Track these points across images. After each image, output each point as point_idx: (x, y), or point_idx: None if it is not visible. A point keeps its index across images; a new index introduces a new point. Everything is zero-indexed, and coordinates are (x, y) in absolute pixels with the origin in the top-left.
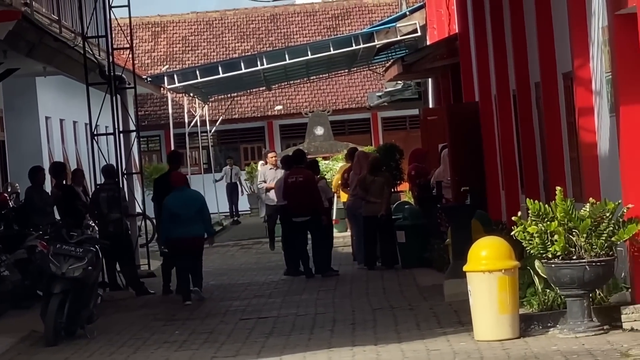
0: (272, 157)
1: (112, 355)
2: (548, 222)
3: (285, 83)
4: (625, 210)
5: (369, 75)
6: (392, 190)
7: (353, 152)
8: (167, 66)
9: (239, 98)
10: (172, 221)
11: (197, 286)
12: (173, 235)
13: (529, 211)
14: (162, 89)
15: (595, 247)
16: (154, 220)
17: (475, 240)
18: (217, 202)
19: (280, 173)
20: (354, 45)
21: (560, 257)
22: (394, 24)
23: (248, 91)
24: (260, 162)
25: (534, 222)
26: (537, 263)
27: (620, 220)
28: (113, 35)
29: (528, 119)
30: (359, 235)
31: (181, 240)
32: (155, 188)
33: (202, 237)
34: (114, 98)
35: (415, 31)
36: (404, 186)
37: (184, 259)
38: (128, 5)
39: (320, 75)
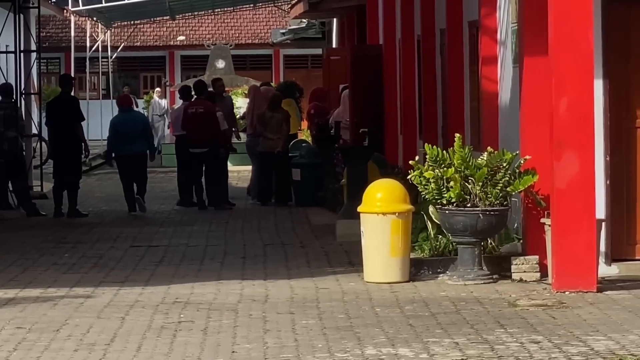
0: None
1: (0, 274)
2: (445, 169)
3: (190, 14)
4: (522, 162)
5: (273, 12)
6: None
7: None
8: None
9: (142, 26)
10: (119, 139)
11: (140, 194)
12: (120, 152)
13: (427, 156)
14: (65, 11)
15: (490, 196)
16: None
17: (371, 182)
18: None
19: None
20: None
21: (454, 204)
22: None
23: (152, 19)
24: (156, 90)
25: (430, 168)
26: (431, 208)
27: (517, 171)
28: None
29: (431, 65)
30: (256, 171)
31: (127, 156)
32: (47, 111)
33: (145, 154)
34: (17, 17)
35: None
36: (303, 124)
37: (129, 173)
38: None
39: (225, 9)
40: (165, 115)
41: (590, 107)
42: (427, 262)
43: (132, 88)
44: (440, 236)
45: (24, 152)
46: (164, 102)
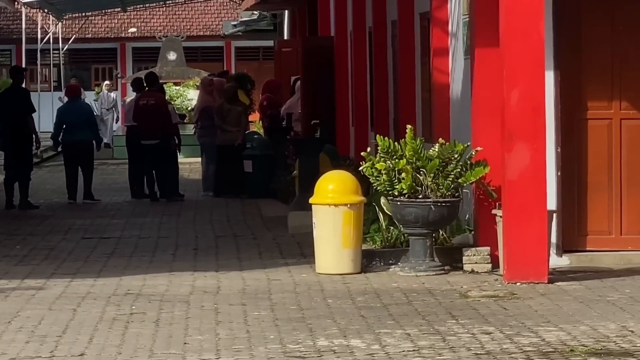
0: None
1: None
2: (396, 160)
3: (141, 6)
4: (473, 153)
5: (225, 4)
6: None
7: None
8: None
9: (93, 17)
10: (64, 128)
11: (87, 184)
12: (65, 141)
13: (378, 148)
14: (15, 3)
15: (441, 187)
16: None
17: (323, 174)
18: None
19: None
20: None
21: (406, 196)
22: None
23: (103, 11)
24: (105, 83)
25: (382, 159)
26: (382, 200)
27: (468, 162)
28: None
29: (382, 56)
30: (208, 163)
31: (71, 144)
32: None
33: (91, 142)
34: None
35: None
36: (254, 116)
37: (74, 162)
38: None
39: (177, 0)
40: (114, 109)
41: (542, 99)
42: (379, 253)
43: (80, 80)
44: (391, 227)
45: None
46: (113, 95)
